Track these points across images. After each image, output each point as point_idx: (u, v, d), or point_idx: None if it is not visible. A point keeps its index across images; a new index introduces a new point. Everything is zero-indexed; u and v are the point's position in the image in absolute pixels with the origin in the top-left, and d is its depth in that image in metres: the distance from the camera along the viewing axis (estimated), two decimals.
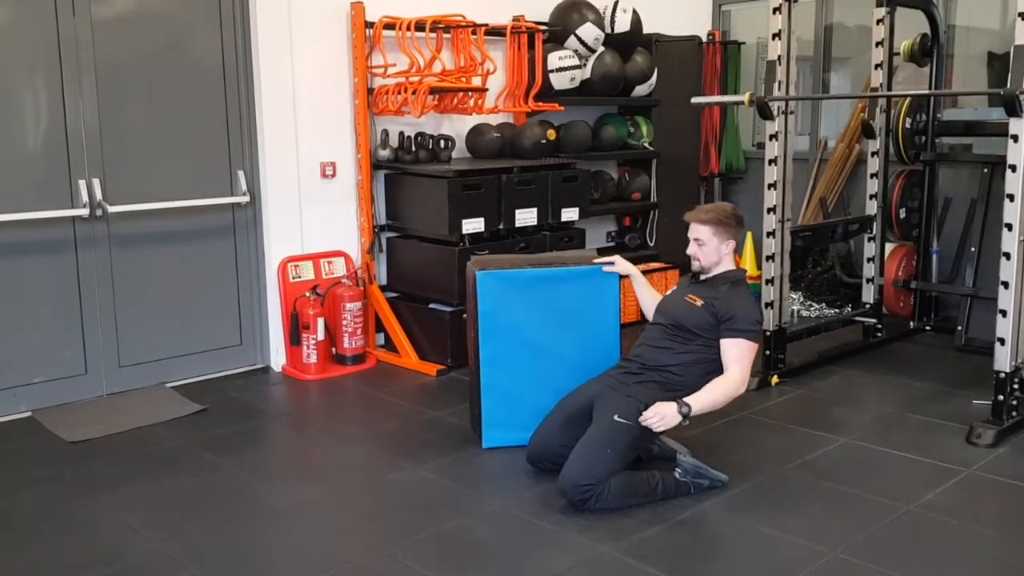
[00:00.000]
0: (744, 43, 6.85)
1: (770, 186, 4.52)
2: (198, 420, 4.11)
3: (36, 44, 4.05)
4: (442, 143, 5.13)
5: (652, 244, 6.24)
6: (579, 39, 5.55)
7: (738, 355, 3.25)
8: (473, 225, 4.79)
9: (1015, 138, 3.66)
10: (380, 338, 5.22)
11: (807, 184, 6.36)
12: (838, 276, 6.02)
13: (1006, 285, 3.74)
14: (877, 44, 4.98)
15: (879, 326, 5.23)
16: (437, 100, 5.07)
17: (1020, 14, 3.56)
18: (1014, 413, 3.83)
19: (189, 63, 4.51)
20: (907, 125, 5.22)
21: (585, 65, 5.63)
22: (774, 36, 4.43)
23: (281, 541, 2.97)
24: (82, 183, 4.20)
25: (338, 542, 2.97)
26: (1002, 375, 3.79)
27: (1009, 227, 3.71)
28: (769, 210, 4.53)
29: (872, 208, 5.20)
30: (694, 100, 4.91)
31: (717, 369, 3.28)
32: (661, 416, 3.10)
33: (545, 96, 5.48)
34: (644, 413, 3.12)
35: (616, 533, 2.95)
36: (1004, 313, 3.75)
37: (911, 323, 5.51)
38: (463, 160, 5.32)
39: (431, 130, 5.21)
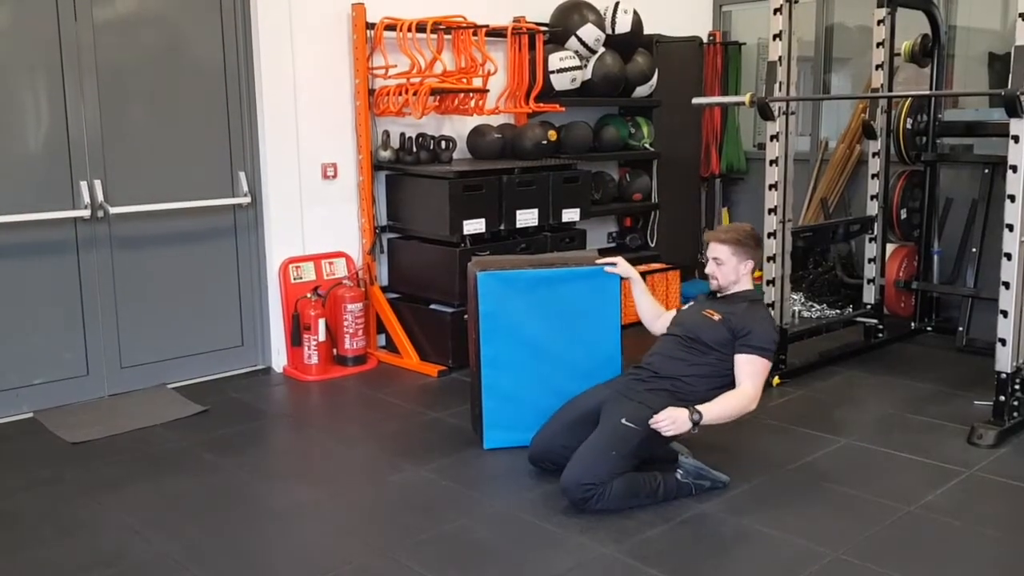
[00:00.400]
0: (745, 44, 6.85)
1: (771, 187, 4.52)
2: (199, 421, 4.12)
3: (38, 46, 4.05)
4: (443, 144, 5.13)
5: (653, 245, 6.24)
6: (580, 40, 5.56)
7: (752, 371, 3.27)
8: (474, 226, 4.79)
9: (1016, 139, 3.66)
10: (381, 339, 5.22)
11: (808, 185, 6.36)
12: (839, 277, 6.02)
13: (1007, 286, 3.74)
14: (878, 45, 4.98)
15: (880, 327, 5.23)
16: (438, 101, 5.07)
17: (1021, 15, 3.56)
18: (1015, 414, 3.83)
19: (190, 64, 4.51)
20: (908, 126, 5.22)
21: (586, 66, 5.63)
22: (775, 37, 4.43)
23: (282, 542, 2.97)
24: (83, 184, 4.21)
25: (339, 543, 2.97)
26: (1003, 376, 3.79)
27: (1010, 228, 3.71)
28: (770, 211, 4.53)
29: (873, 209, 5.20)
30: (695, 101, 4.91)
31: (728, 384, 3.30)
32: (673, 420, 3.10)
33: (546, 97, 5.48)
34: (656, 416, 3.12)
35: (617, 534, 2.95)
36: (1005, 314, 3.75)
37: (912, 324, 5.50)
38: (464, 161, 5.33)
39: (432, 131, 5.21)
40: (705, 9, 6.89)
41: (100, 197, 4.24)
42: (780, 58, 4.42)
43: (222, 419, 4.13)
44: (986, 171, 5.23)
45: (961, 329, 5.16)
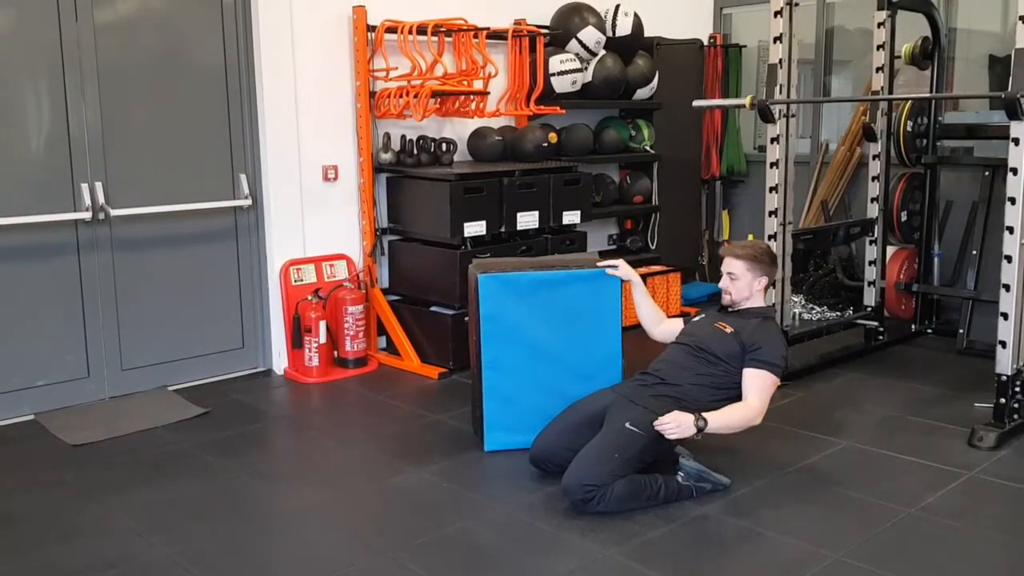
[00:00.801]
0: (745, 46, 6.86)
1: (771, 189, 4.52)
2: (200, 423, 4.12)
3: (39, 48, 4.06)
4: (444, 146, 5.13)
5: (653, 247, 6.24)
6: (580, 42, 5.56)
7: (760, 386, 3.30)
8: (475, 228, 4.80)
9: (1016, 141, 3.66)
10: (382, 341, 5.22)
11: (808, 187, 6.36)
12: (839, 279, 6.02)
13: (1007, 288, 3.75)
14: (878, 47, 4.98)
15: (881, 329, 5.24)
16: (439, 103, 5.08)
17: (1021, 17, 3.56)
18: (1016, 416, 3.83)
19: (191, 66, 4.52)
20: (908, 128, 5.23)
21: (586, 68, 5.63)
22: (775, 39, 4.43)
23: (283, 544, 2.97)
24: (84, 186, 4.21)
25: (340, 545, 2.97)
26: (1004, 378, 3.79)
27: (1010, 230, 3.71)
28: (770, 213, 4.53)
29: (873, 211, 5.20)
30: (695, 103, 4.92)
31: (734, 397, 3.32)
32: (678, 423, 3.11)
33: (546, 99, 5.49)
34: (661, 418, 3.13)
35: (619, 536, 2.95)
36: (1005, 316, 3.76)
37: (912, 326, 5.51)
38: (465, 163, 5.33)
39: (433, 133, 5.21)
40: (706, 11, 6.90)
41: (101, 199, 4.24)
42: (781, 61, 4.42)
43: (223, 421, 4.13)
44: (986, 174, 5.24)
45: (961, 331, 5.17)
